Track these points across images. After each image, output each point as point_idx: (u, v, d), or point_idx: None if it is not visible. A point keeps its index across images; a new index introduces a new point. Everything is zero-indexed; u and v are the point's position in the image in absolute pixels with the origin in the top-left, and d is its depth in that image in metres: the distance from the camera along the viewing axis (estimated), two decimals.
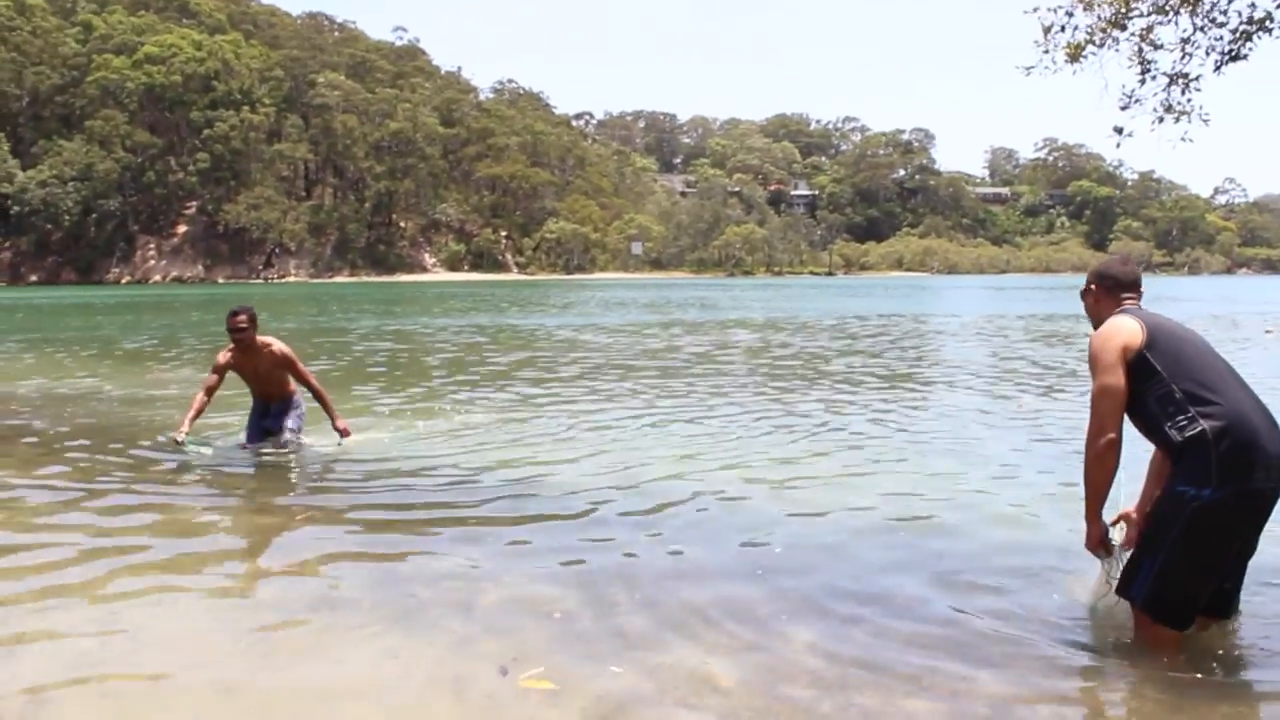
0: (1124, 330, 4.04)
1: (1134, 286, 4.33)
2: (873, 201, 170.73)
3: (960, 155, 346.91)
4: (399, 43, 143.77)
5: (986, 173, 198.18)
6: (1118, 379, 3.96)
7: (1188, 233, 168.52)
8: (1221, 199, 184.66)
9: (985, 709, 3.63)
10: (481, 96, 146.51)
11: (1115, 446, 3.96)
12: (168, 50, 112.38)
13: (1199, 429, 3.81)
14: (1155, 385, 3.93)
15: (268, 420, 8.54)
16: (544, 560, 5.42)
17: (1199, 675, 3.92)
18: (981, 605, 4.70)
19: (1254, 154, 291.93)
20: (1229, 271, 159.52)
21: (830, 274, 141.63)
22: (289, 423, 8.51)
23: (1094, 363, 4.06)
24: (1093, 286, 4.41)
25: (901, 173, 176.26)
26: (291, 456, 8.33)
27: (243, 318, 8.12)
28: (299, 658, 4.13)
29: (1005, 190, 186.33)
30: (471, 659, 4.07)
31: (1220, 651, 4.14)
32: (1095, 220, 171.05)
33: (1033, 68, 9.78)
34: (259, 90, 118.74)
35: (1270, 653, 4.19)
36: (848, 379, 14.51)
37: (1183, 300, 47.22)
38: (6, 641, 4.27)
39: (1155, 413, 3.94)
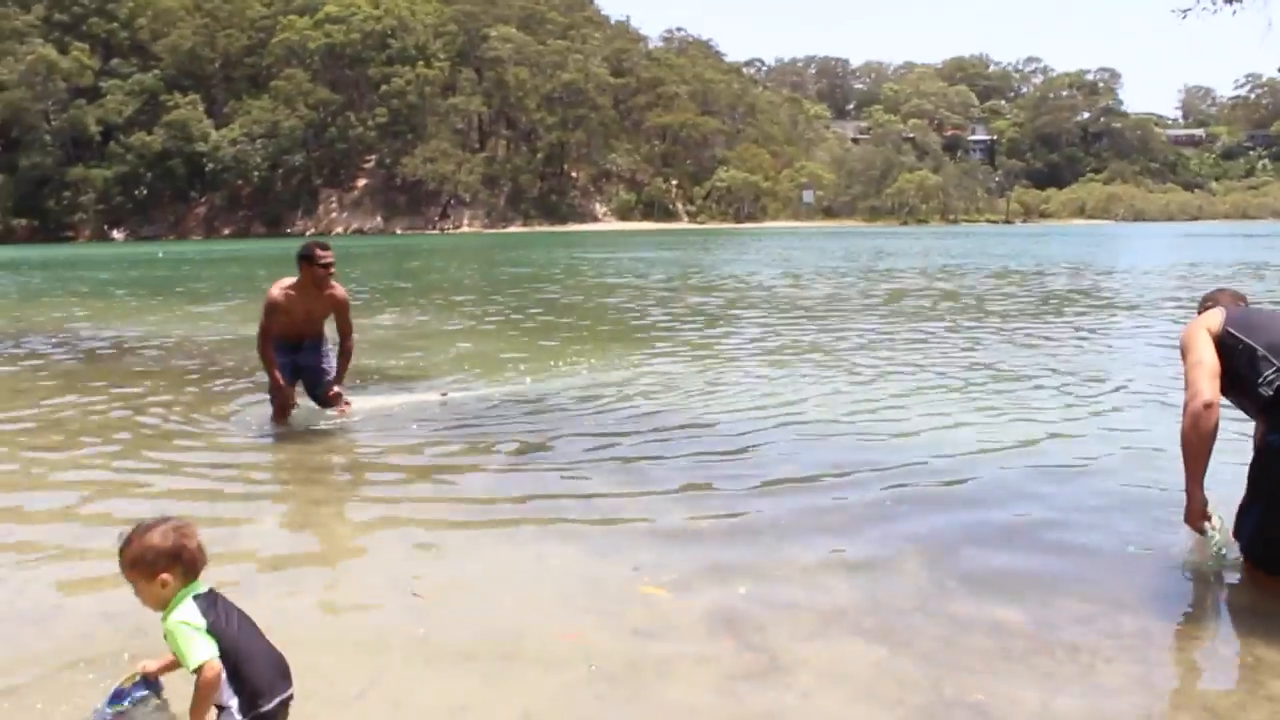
0: (1206, 318, 4.27)
1: (1231, 304, 4.44)
2: (1054, 146, 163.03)
3: (1151, 95, 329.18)
4: None
5: (1179, 114, 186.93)
6: (1207, 352, 4.06)
7: None
8: None
9: (1063, 639, 3.69)
10: (651, 45, 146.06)
11: (1213, 410, 3.93)
12: (347, 9, 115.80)
13: None
14: (1242, 352, 4.03)
15: (300, 355, 7.76)
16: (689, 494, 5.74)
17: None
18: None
19: None
20: None
21: (1008, 222, 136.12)
22: (327, 365, 7.90)
23: (1184, 349, 4.19)
24: (1199, 312, 4.55)
25: (1085, 115, 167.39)
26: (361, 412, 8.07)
27: (331, 254, 7.50)
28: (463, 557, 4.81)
29: (1200, 132, 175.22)
30: (607, 564, 4.59)
31: None
32: None
33: (1190, 10, 8.60)
34: (433, 45, 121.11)
35: None
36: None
37: None
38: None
39: (1246, 375, 3.99)
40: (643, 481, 5.90)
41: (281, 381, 7.55)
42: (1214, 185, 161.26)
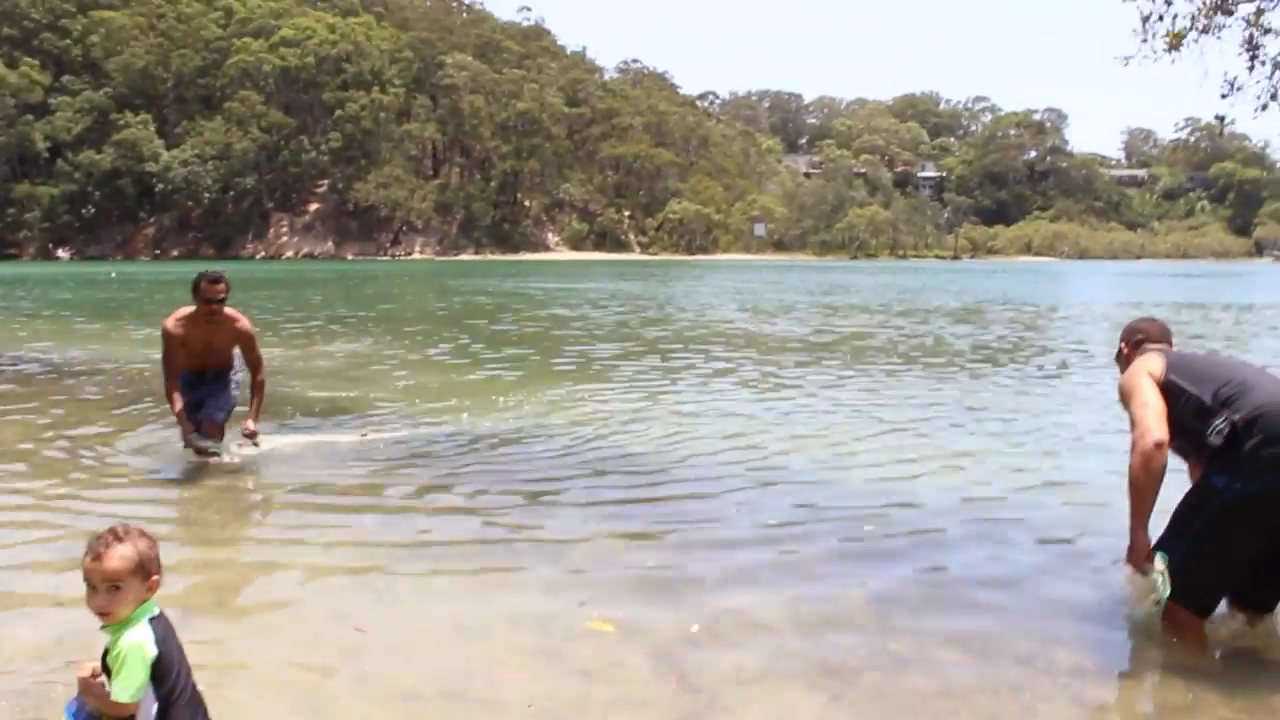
0: (1146, 362, 4.25)
1: (1161, 339, 4.55)
2: (1002, 184, 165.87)
3: (1095, 136, 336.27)
4: (525, 23, 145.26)
5: (1122, 154, 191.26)
6: (1153, 395, 4.05)
7: None
8: None
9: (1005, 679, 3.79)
10: (606, 76, 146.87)
11: (1163, 449, 3.91)
12: (303, 33, 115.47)
13: (1231, 425, 3.86)
14: (1186, 401, 4.02)
15: (204, 389, 7.35)
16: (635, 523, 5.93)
17: (1221, 667, 4.00)
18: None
19: None
20: None
21: (956, 257, 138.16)
22: (226, 399, 7.44)
23: (1126, 393, 4.18)
24: (1123, 345, 4.64)
25: (1032, 154, 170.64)
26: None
27: (223, 285, 7.01)
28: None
29: (1142, 172, 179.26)
30: (555, 601, 4.60)
31: (1248, 644, 4.17)
32: (1239, 204, 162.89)
33: (1131, 58, 9.15)
34: (389, 71, 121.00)
35: None
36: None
37: None
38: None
39: (1194, 427, 3.97)
40: (592, 520, 5.88)
41: (186, 419, 7.11)
42: (1156, 225, 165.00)
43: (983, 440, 8.39)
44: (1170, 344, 4.55)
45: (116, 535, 2.70)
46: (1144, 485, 3.94)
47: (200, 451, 7.23)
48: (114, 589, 2.65)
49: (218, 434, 7.29)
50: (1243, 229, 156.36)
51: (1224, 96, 9.61)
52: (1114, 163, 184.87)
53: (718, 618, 4.37)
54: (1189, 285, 48.26)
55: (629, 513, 6.12)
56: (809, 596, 4.68)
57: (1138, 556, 4.07)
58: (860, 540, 5.60)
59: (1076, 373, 13.33)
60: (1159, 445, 3.90)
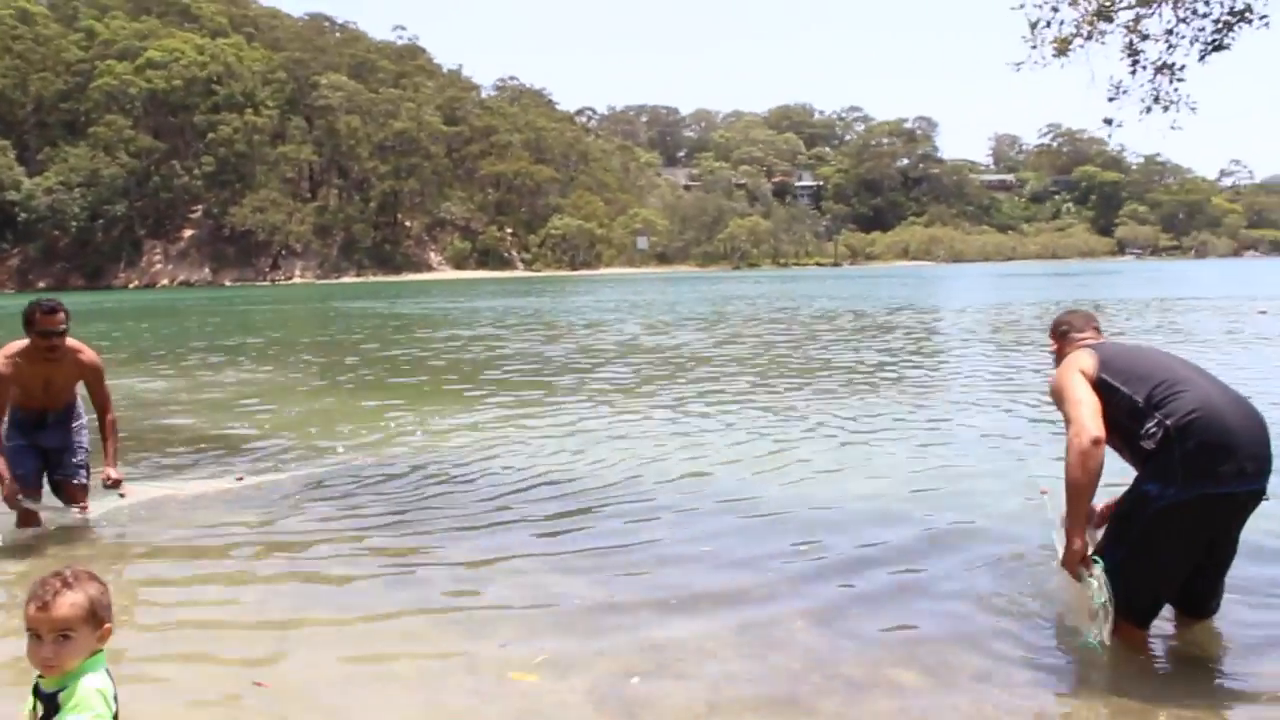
0: (1077, 360, 4.11)
1: (1086, 328, 4.47)
2: (877, 191, 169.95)
3: (964, 143, 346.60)
4: (400, 42, 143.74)
5: (991, 160, 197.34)
6: (1086, 392, 3.93)
7: (1194, 216, 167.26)
8: (1228, 181, 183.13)
9: (963, 698, 3.73)
10: (484, 94, 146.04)
11: (1098, 445, 3.78)
12: (170, 55, 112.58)
13: (1164, 430, 3.77)
14: (1119, 400, 3.92)
15: (44, 435, 6.35)
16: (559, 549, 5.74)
17: (1164, 674, 3.98)
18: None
19: (1260, 135, 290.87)
20: (1236, 254, 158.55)
21: (836, 264, 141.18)
22: (80, 446, 6.48)
23: (1059, 392, 4.07)
24: (1052, 340, 4.57)
25: (905, 161, 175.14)
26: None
27: (63, 315, 6.07)
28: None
29: (1010, 177, 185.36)
30: (478, 642, 4.33)
31: (1194, 652, 4.16)
32: (1101, 205, 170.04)
33: (1022, 63, 9.96)
34: (262, 93, 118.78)
35: (1242, 652, 4.15)
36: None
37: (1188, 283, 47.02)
38: None
39: (1127, 427, 3.88)
40: (502, 550, 5.66)
41: (7, 475, 5.96)
42: (1025, 227, 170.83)
43: (909, 450, 8.35)
44: (1097, 332, 4.48)
45: (65, 580, 2.50)
46: (1081, 484, 3.80)
47: (25, 518, 6.22)
48: (62, 639, 2.46)
49: (82, 497, 6.36)
50: (1105, 229, 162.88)
51: (1111, 99, 10.27)
52: (983, 168, 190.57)
53: (655, 647, 4.18)
54: (1064, 283, 48.98)
55: (550, 541, 5.91)
56: (747, 616, 4.53)
57: (1073, 560, 3.93)
58: (792, 551, 5.51)
59: (971, 380, 13.31)
60: (1096, 442, 3.76)
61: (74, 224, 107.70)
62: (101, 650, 2.54)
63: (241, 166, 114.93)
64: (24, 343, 6.10)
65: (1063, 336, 4.48)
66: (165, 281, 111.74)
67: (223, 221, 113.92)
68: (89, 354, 6.32)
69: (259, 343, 23.91)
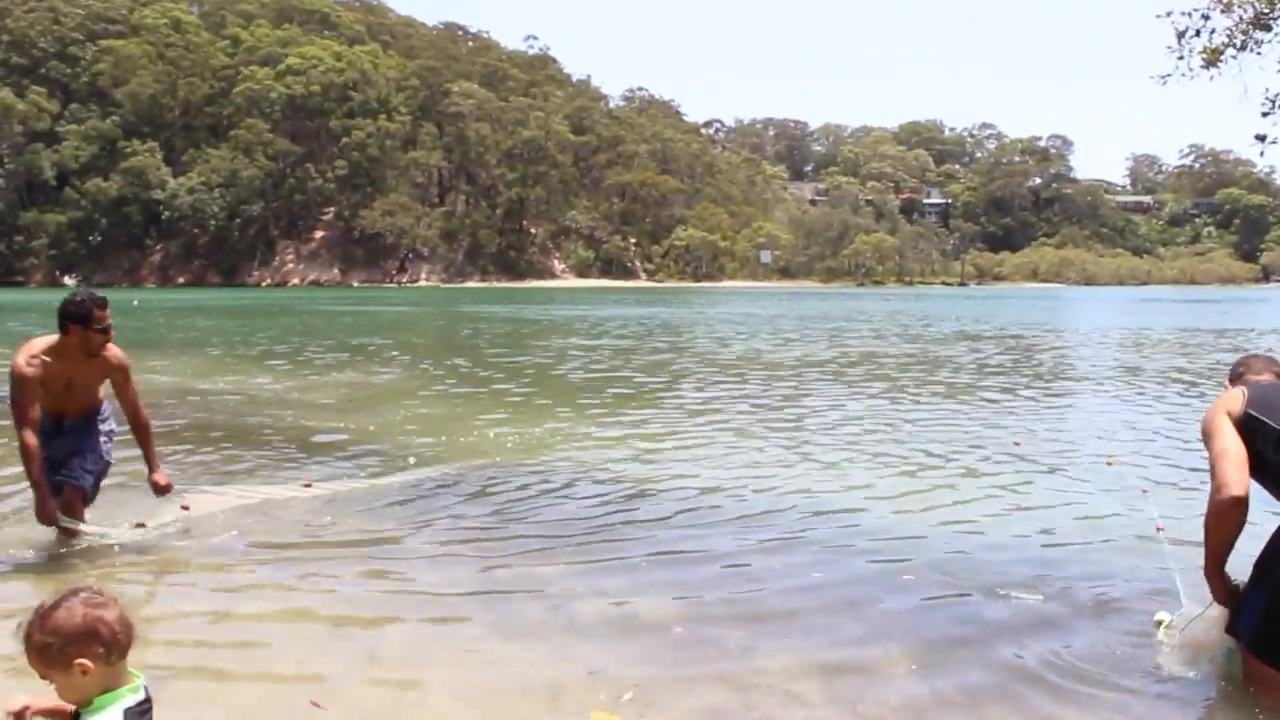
0: (1226, 398, 3.99)
1: (1265, 371, 4.22)
2: (1007, 210, 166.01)
3: (1100, 163, 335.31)
4: (531, 52, 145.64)
5: (1127, 181, 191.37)
6: (1232, 441, 3.77)
7: None
8: None
9: None
10: (612, 104, 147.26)
11: (1238, 505, 3.61)
12: (309, 61, 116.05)
13: None
14: (1266, 434, 3.76)
15: (60, 441, 5.84)
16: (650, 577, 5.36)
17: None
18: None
19: None
20: None
21: (962, 284, 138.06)
22: (93, 452, 5.96)
23: (1206, 435, 3.91)
24: (1230, 385, 4.29)
25: (1037, 180, 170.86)
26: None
27: (109, 312, 5.68)
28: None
29: (1147, 199, 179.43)
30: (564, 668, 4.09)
31: None
32: (1245, 230, 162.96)
33: (1168, 76, 8.95)
34: (395, 99, 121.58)
35: None
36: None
37: None
38: None
39: (1271, 458, 3.74)
40: (601, 574, 5.36)
41: (48, 492, 5.56)
42: (1161, 251, 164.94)
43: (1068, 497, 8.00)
44: (1278, 377, 4.23)
45: (27, 626, 2.27)
46: (1216, 539, 3.75)
47: (67, 533, 5.77)
48: (48, 672, 2.26)
49: (79, 504, 5.83)
50: (1249, 254, 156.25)
51: (1265, 114, 9.39)
52: (1119, 189, 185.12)
53: (742, 683, 3.92)
54: (1205, 310, 47.61)
55: (649, 564, 5.55)
56: (840, 652, 4.29)
57: (1222, 596, 3.92)
58: (895, 582, 5.25)
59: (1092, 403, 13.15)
60: (1236, 502, 3.61)
61: (213, 223, 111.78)
62: (118, 687, 2.28)
63: (373, 171, 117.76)
64: (51, 339, 5.68)
65: (1239, 379, 4.24)
66: (296, 280, 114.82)
67: (353, 224, 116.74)
68: (115, 351, 5.88)
69: (386, 344, 23.96)
